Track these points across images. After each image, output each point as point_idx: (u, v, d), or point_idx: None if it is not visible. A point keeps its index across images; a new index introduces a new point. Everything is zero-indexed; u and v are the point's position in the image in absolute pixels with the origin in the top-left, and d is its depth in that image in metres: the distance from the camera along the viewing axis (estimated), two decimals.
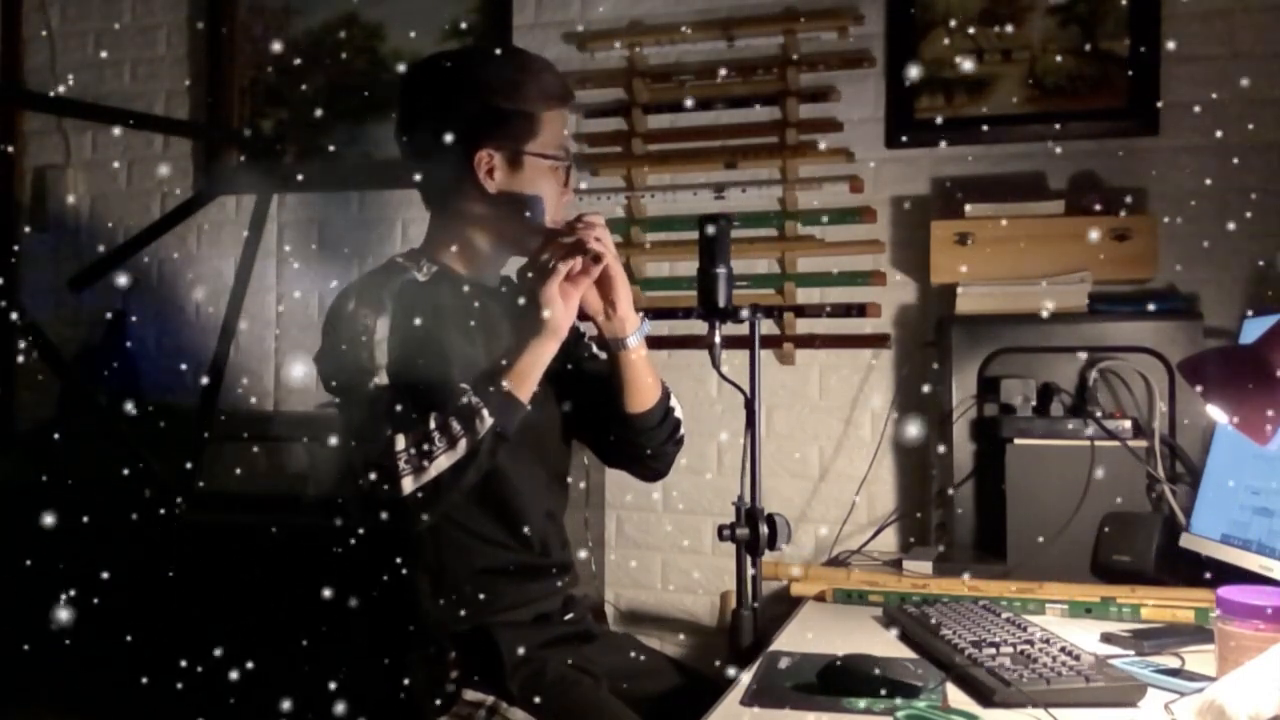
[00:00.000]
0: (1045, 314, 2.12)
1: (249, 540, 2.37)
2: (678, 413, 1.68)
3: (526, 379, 1.45)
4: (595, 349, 1.70)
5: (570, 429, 1.69)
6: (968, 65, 2.42)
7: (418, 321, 1.49)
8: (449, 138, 1.55)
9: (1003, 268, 2.18)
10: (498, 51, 1.62)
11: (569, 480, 1.72)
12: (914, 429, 2.42)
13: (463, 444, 1.38)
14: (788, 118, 2.53)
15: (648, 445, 1.64)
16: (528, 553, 1.57)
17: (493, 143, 1.55)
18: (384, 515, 1.39)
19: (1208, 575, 1.70)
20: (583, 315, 1.56)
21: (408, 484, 1.37)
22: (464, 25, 2.79)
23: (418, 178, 1.63)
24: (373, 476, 1.38)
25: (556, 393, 1.63)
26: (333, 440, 1.50)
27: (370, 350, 1.45)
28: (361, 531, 1.58)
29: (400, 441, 1.37)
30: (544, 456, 1.63)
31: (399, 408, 1.41)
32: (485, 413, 1.40)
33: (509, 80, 1.56)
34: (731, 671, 1.41)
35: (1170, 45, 2.29)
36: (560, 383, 1.61)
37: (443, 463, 1.38)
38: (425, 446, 1.37)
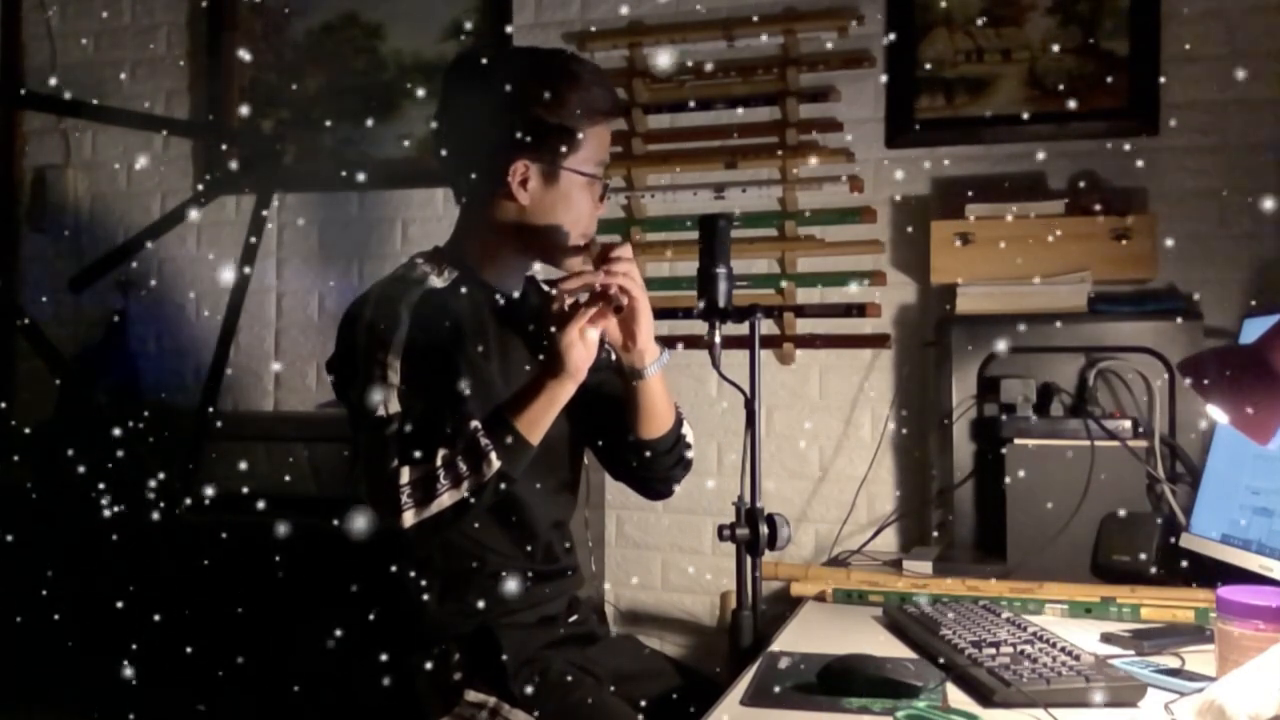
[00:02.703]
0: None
1: (249, 540, 2.37)
2: (689, 438, 1.67)
3: (539, 422, 1.43)
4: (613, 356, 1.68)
5: (581, 440, 1.68)
6: (968, 65, 2.42)
7: (434, 337, 1.46)
8: (485, 144, 1.51)
9: (1003, 268, 2.18)
10: (547, 57, 1.58)
11: (576, 490, 1.70)
12: (914, 429, 2.42)
13: (467, 484, 1.37)
14: (788, 118, 2.53)
15: (655, 469, 1.64)
16: (534, 560, 1.57)
17: (530, 154, 1.51)
18: (385, 537, 1.38)
19: (1207, 576, 1.70)
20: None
21: (409, 518, 1.36)
22: (464, 25, 2.79)
23: (449, 174, 1.60)
24: (375, 506, 1.37)
25: (570, 405, 1.62)
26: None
27: (383, 370, 1.43)
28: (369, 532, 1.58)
29: (405, 474, 1.36)
30: (554, 466, 1.61)
31: (407, 436, 1.39)
32: (493, 456, 1.38)
33: (554, 92, 1.50)
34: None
35: (1170, 45, 2.29)
36: (575, 396, 1.60)
37: (445, 500, 1.37)
38: (429, 484, 1.36)
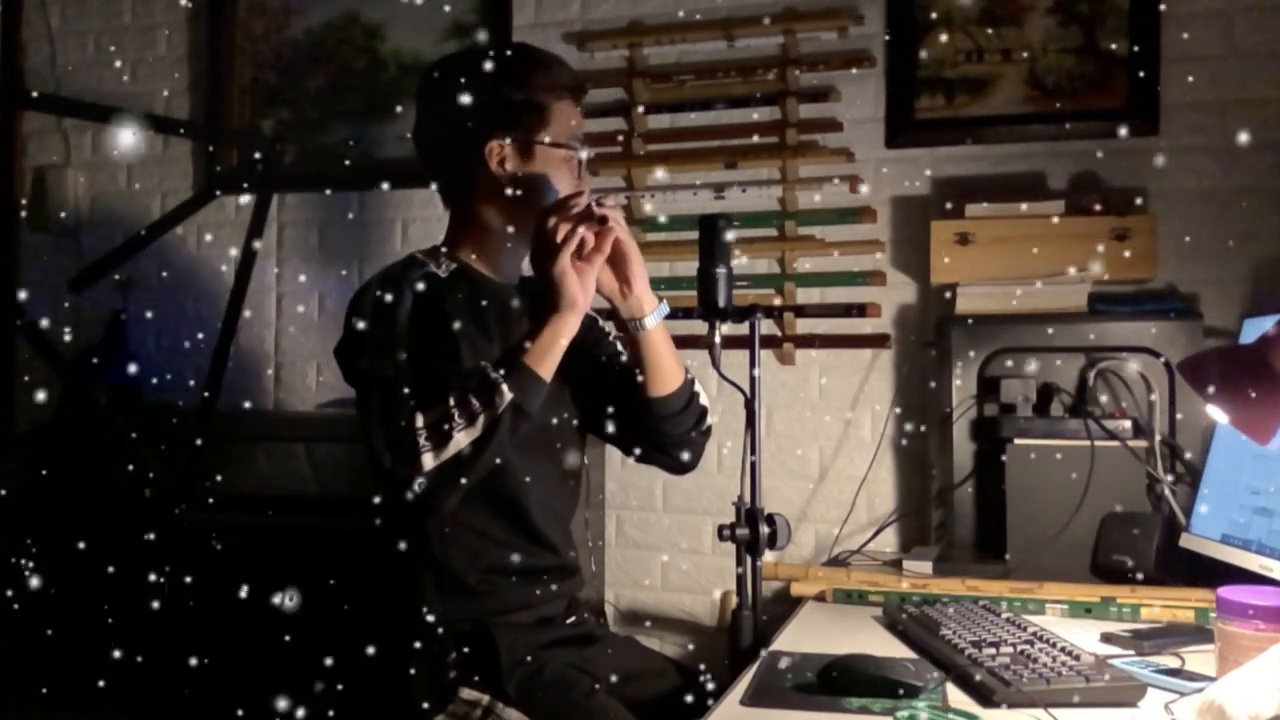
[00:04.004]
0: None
1: (248, 540, 2.37)
2: (703, 399, 1.66)
3: (547, 355, 1.44)
4: (620, 346, 1.69)
5: (586, 427, 1.69)
6: (968, 65, 2.42)
7: (435, 315, 1.50)
8: (459, 132, 1.55)
9: (1003, 268, 2.18)
10: (508, 48, 1.63)
11: (579, 481, 1.70)
12: (914, 429, 2.42)
13: (482, 420, 1.38)
14: (788, 118, 2.53)
15: (673, 432, 1.62)
16: (534, 554, 1.57)
17: (503, 133, 1.56)
18: (408, 496, 1.37)
19: (1207, 576, 1.70)
20: (603, 303, 1.55)
21: (428, 460, 1.36)
22: (464, 25, 2.79)
23: (433, 175, 1.64)
24: (393, 456, 1.38)
25: (572, 390, 1.62)
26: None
27: (390, 335, 1.46)
28: (368, 530, 1.58)
29: (420, 419, 1.37)
30: (555, 455, 1.62)
31: (418, 387, 1.41)
32: (504, 387, 1.39)
33: (516, 71, 1.57)
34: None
35: (1170, 45, 2.29)
36: (577, 379, 1.61)
37: (462, 439, 1.37)
38: (445, 424, 1.37)
